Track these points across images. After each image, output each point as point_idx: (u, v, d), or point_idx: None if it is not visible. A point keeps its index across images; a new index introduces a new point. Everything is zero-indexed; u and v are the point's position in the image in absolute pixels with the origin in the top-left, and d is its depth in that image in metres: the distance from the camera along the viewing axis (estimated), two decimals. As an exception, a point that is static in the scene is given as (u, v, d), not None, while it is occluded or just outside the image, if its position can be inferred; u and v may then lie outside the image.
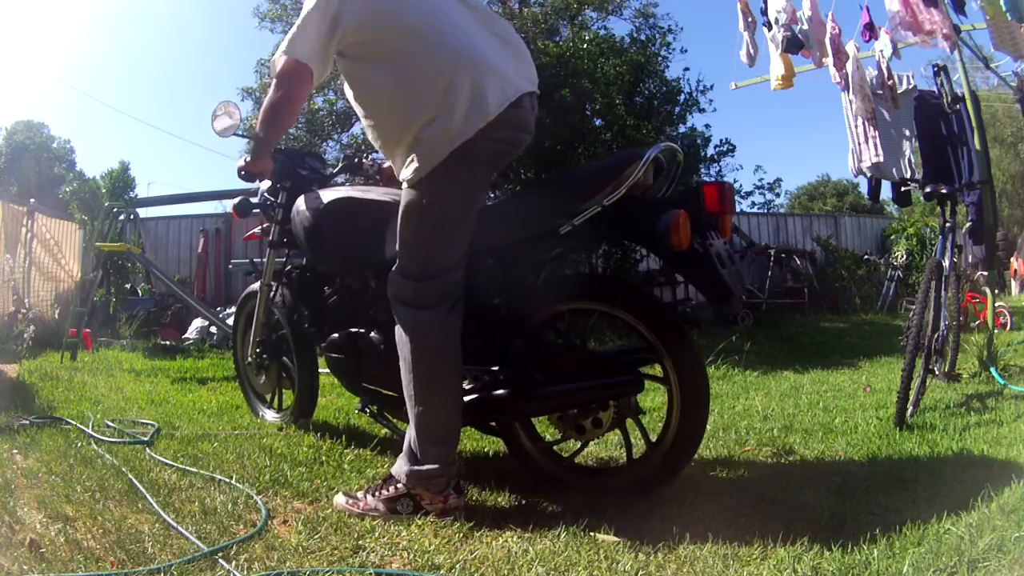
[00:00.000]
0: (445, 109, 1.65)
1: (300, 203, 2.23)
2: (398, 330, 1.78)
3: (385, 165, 2.50)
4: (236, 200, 2.62)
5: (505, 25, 1.89)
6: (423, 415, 1.73)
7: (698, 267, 1.68)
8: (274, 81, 1.76)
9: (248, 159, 2.02)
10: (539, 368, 1.84)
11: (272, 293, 2.58)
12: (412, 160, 1.71)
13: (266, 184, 2.55)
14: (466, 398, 1.88)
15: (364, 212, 2.07)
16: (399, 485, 1.74)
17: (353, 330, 2.19)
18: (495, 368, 1.89)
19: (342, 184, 2.62)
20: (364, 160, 2.63)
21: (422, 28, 1.71)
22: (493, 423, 1.99)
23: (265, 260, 2.60)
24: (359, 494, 1.79)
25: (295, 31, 1.70)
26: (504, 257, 1.87)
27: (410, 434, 1.76)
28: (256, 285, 2.67)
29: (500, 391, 1.87)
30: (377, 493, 1.75)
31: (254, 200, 2.64)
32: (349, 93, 1.85)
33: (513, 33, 1.88)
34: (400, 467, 1.75)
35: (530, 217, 1.81)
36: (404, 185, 1.76)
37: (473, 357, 1.88)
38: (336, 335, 2.23)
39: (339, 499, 1.79)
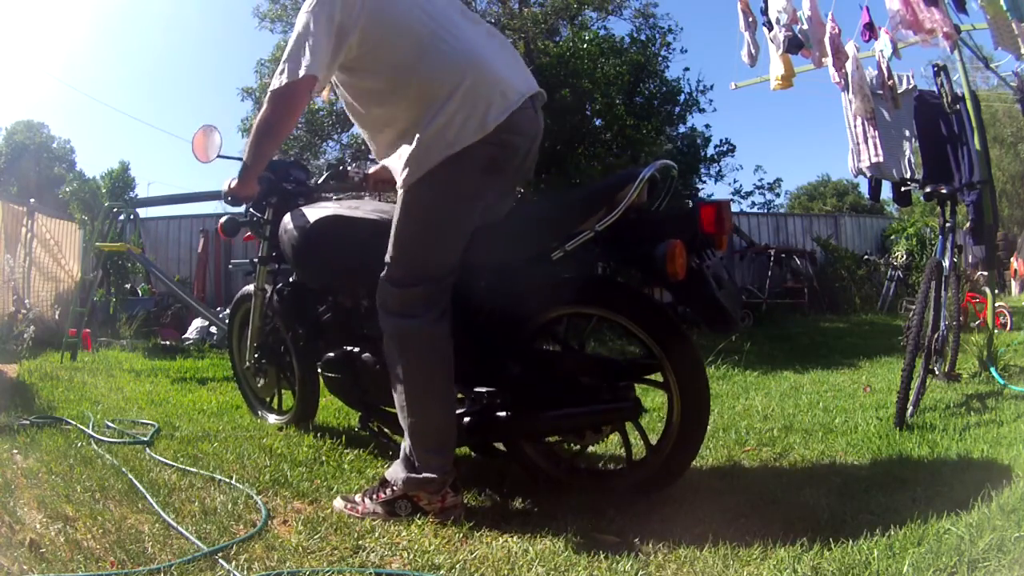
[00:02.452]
0: (445, 114, 1.63)
1: (287, 221, 2.18)
2: (385, 340, 1.76)
3: (371, 171, 2.44)
4: (223, 219, 2.60)
5: (503, 37, 1.88)
6: (416, 425, 1.72)
7: (694, 292, 1.65)
8: (270, 95, 1.70)
9: (235, 182, 1.96)
10: (537, 385, 1.81)
11: (267, 297, 2.55)
12: (407, 164, 1.68)
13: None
14: (464, 420, 1.85)
15: (353, 230, 2.03)
16: (395, 487, 1.74)
17: (348, 348, 2.16)
18: (492, 390, 1.87)
19: (328, 195, 2.57)
20: (349, 168, 2.58)
21: (427, 34, 1.69)
22: (496, 444, 1.96)
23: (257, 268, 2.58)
24: (356, 498, 1.79)
25: (304, 45, 1.64)
26: (498, 276, 1.84)
27: (406, 443, 1.75)
28: (250, 288, 2.64)
29: (498, 414, 1.86)
30: (374, 496, 1.75)
31: (241, 218, 2.61)
32: (345, 96, 1.81)
33: (510, 45, 1.88)
34: (397, 473, 1.75)
35: (522, 240, 1.77)
36: (399, 190, 1.74)
37: (469, 377, 1.85)
38: (331, 354, 2.19)
39: (337, 503, 1.79)
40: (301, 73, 1.63)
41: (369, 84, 1.74)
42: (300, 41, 1.65)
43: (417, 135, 1.66)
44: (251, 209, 2.54)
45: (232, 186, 1.98)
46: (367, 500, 1.76)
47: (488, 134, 1.64)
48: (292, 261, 2.21)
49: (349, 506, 1.76)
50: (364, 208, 2.10)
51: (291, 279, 2.50)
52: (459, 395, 1.90)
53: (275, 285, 2.53)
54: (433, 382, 1.73)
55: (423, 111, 1.66)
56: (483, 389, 1.89)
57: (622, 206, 1.62)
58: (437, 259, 1.73)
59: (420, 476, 1.70)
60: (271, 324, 2.63)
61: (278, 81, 1.67)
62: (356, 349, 2.13)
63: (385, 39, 1.68)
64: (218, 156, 2.29)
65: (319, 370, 2.29)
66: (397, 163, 1.80)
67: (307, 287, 2.38)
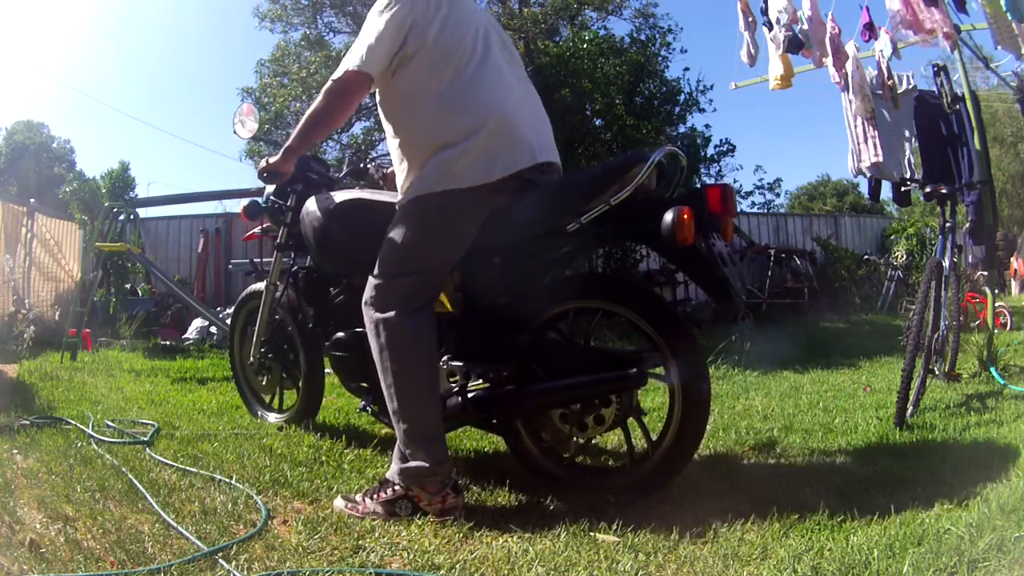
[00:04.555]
0: (456, 150, 1.72)
1: (311, 204, 2.24)
2: (367, 334, 1.84)
3: (389, 171, 2.54)
4: (246, 202, 2.65)
5: (532, 88, 1.98)
6: (401, 414, 1.76)
7: (701, 265, 1.70)
8: (330, 86, 1.78)
9: (275, 159, 2.03)
10: (543, 364, 1.85)
11: (278, 293, 2.60)
12: (408, 182, 1.80)
13: (271, 187, 2.57)
14: (469, 395, 1.88)
15: (374, 213, 2.07)
16: (395, 487, 1.75)
17: (358, 330, 2.19)
18: (499, 365, 1.89)
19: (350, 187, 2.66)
20: (369, 166, 2.68)
21: (470, 64, 1.77)
22: (495, 420, 1.99)
23: (272, 260, 2.63)
24: (357, 497, 1.79)
25: (367, 42, 1.73)
26: (511, 256, 1.88)
27: (398, 434, 1.79)
28: (257, 285, 2.69)
29: (503, 387, 1.88)
30: (375, 496, 1.76)
31: (262, 203, 2.66)
32: (382, 104, 1.88)
33: (537, 96, 1.97)
34: (393, 468, 1.78)
35: (537, 216, 1.81)
36: (399, 198, 1.84)
37: (477, 354, 1.89)
38: (341, 334, 2.25)
39: (338, 503, 1.79)
40: (355, 67, 1.72)
41: (408, 96, 1.80)
42: (363, 39, 1.75)
43: (431, 158, 1.75)
44: (272, 196, 2.61)
45: (271, 162, 2.05)
46: (367, 500, 1.76)
47: (490, 183, 1.73)
48: (313, 243, 2.25)
49: (349, 506, 1.76)
50: (385, 193, 2.18)
51: (307, 264, 2.57)
52: (466, 374, 1.93)
53: (288, 277, 2.60)
54: (414, 373, 1.78)
55: (441, 138, 1.74)
56: (490, 365, 1.91)
57: (636, 181, 1.67)
58: (425, 265, 1.82)
59: (411, 465, 1.73)
60: (278, 319, 2.66)
61: (336, 74, 1.76)
62: (365, 330, 2.16)
63: (433, 53, 1.76)
64: (254, 137, 2.32)
65: (327, 350, 2.35)
66: (399, 173, 1.89)
67: (322, 272, 2.44)
